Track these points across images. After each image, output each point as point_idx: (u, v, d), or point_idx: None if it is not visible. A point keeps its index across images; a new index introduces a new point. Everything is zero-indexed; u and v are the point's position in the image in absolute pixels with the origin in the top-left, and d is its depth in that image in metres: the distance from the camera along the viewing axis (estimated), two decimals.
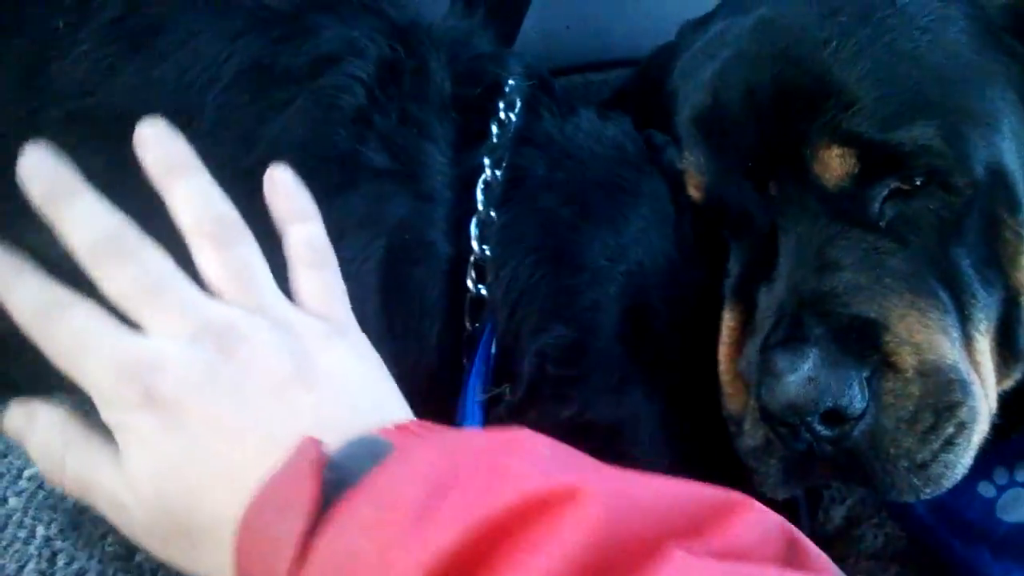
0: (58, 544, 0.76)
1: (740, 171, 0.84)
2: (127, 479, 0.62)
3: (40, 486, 0.80)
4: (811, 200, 0.80)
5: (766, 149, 0.82)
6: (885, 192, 0.79)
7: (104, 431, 0.65)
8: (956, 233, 0.79)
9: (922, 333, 0.76)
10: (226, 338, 0.64)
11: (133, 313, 0.66)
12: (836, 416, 0.73)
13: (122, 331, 0.65)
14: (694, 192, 0.87)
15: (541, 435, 0.58)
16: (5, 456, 0.83)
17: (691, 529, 0.50)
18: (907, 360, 0.75)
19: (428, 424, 0.64)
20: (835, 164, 0.78)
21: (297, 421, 0.62)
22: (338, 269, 0.75)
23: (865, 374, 0.74)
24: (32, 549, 0.75)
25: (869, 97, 0.78)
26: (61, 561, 0.75)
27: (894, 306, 0.77)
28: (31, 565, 0.74)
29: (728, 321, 0.86)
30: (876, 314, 0.76)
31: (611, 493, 0.49)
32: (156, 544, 0.63)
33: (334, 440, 0.58)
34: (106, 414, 0.64)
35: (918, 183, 0.79)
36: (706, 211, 0.87)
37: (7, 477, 0.81)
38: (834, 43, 0.80)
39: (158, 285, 0.66)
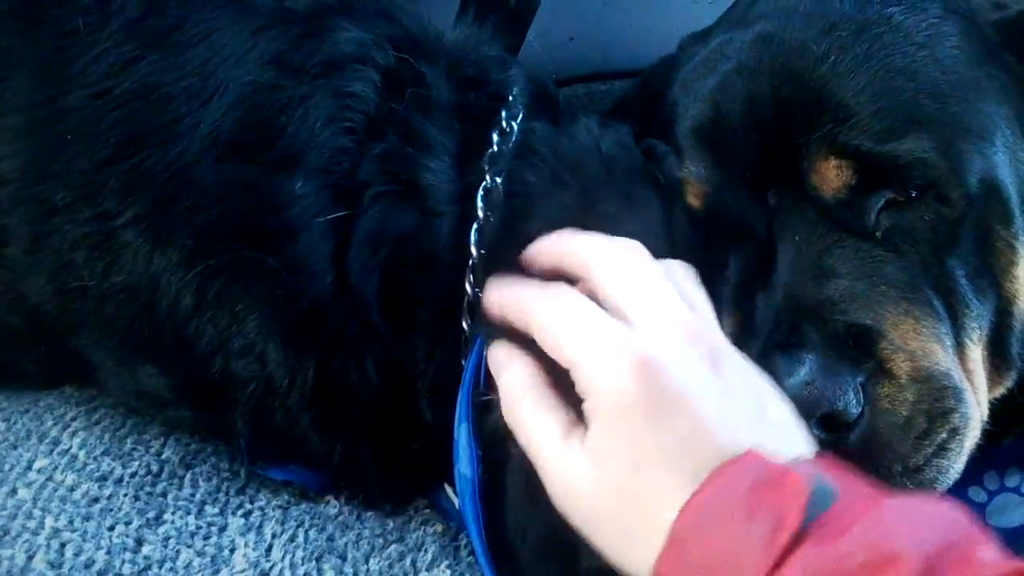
0: (66, 535, 0.77)
1: (739, 181, 0.85)
2: (587, 451, 0.67)
3: (49, 478, 0.82)
4: (808, 210, 0.82)
5: (765, 160, 0.83)
6: (881, 203, 0.81)
7: None
8: (950, 243, 0.81)
9: (916, 340, 0.78)
10: (716, 353, 0.71)
11: (628, 306, 0.71)
12: (832, 421, 0.75)
13: (614, 321, 0.71)
14: (693, 201, 0.89)
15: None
16: (15, 448, 0.85)
17: None
18: (902, 367, 0.77)
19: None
20: (832, 176, 0.80)
21: (766, 438, 0.66)
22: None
23: (861, 380, 0.76)
24: (41, 540, 0.76)
25: (866, 110, 0.80)
26: (70, 552, 0.76)
27: (889, 314, 0.79)
28: (39, 556, 0.75)
29: (725, 328, 0.86)
30: (872, 321, 0.78)
31: None
32: (590, 520, 0.68)
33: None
34: (588, 385, 0.68)
35: (913, 194, 0.80)
36: (705, 220, 0.89)
37: (17, 469, 0.82)
38: (832, 57, 0.82)
39: (655, 285, 0.73)
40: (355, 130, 0.85)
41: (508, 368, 0.77)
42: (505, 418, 0.76)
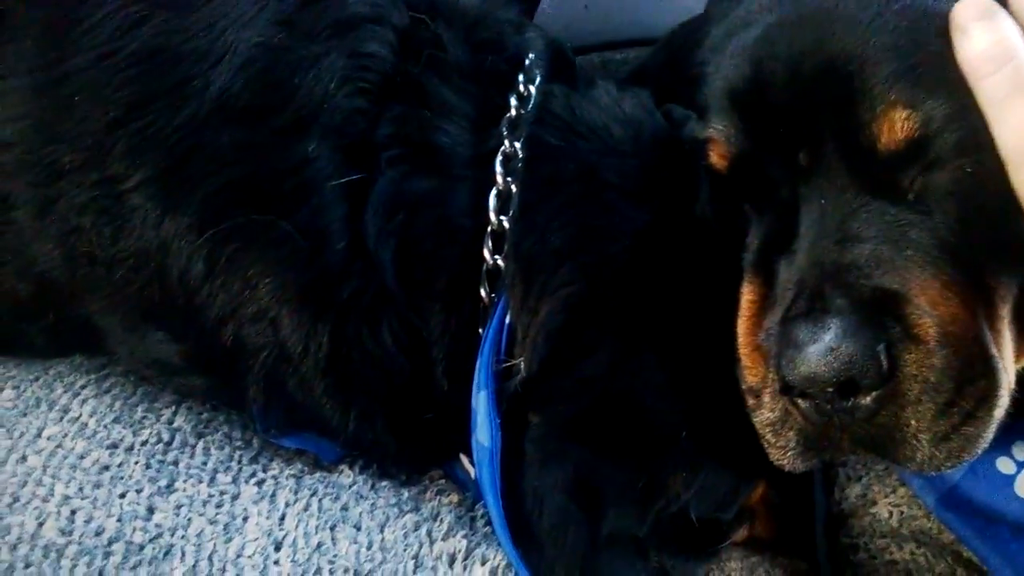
0: (76, 502, 0.76)
1: (773, 140, 0.82)
2: None
3: (59, 445, 0.80)
4: (841, 170, 0.79)
5: (807, 116, 0.80)
6: (920, 164, 0.78)
7: None
8: (978, 208, 0.78)
9: (944, 305, 0.76)
10: None
11: None
12: (857, 387, 0.73)
13: None
14: (719, 161, 0.86)
15: None
16: (25, 415, 0.84)
17: None
18: (929, 331, 0.74)
19: None
20: (898, 126, 0.76)
21: None
22: None
23: (887, 344, 0.74)
24: (51, 507, 0.75)
25: (916, 70, 0.76)
26: (80, 519, 0.75)
27: (916, 278, 0.76)
28: (50, 522, 0.74)
29: (747, 294, 0.85)
30: (898, 286, 0.75)
31: None
32: None
33: None
34: None
35: (948, 156, 0.78)
36: (729, 182, 0.87)
37: (27, 436, 0.81)
38: (875, 9, 0.79)
39: None
40: (371, 91, 0.84)
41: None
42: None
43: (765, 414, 0.81)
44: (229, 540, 0.76)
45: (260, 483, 0.82)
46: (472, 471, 0.86)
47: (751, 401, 0.83)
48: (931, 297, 0.76)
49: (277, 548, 0.77)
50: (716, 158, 0.86)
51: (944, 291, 0.77)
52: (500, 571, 0.79)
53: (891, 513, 1.03)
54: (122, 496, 0.77)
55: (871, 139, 0.77)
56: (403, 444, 0.87)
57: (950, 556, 1.01)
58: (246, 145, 0.81)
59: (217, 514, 0.78)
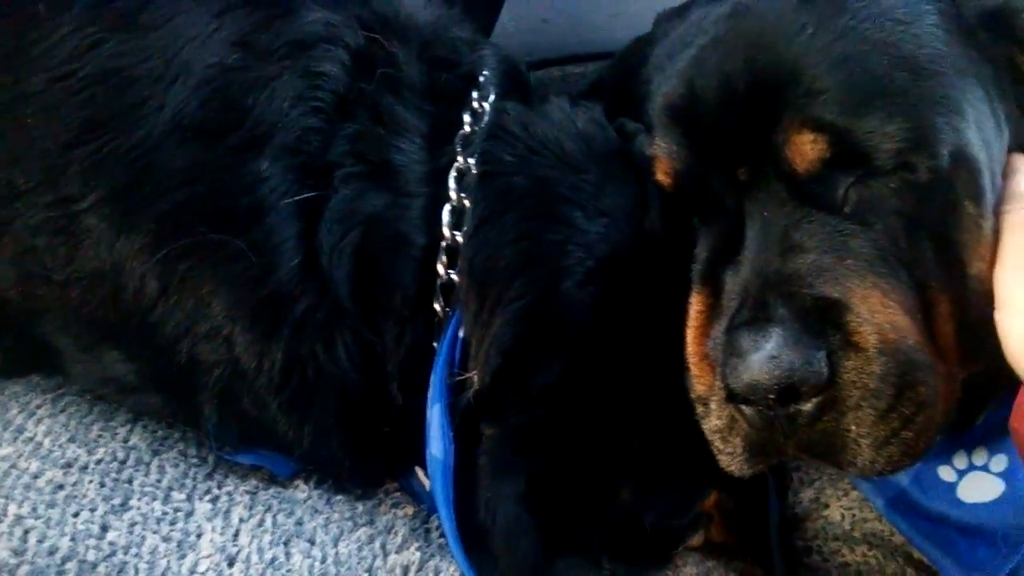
0: (30, 522, 0.76)
1: (711, 157, 0.85)
2: None
3: (13, 466, 0.80)
4: (779, 185, 0.81)
5: (738, 135, 0.83)
6: (852, 178, 0.80)
7: None
8: (919, 217, 0.80)
9: (883, 313, 0.78)
10: None
11: None
12: (798, 394, 0.74)
13: None
14: (663, 178, 0.88)
15: None
16: None
17: None
18: (868, 339, 0.76)
19: None
20: (807, 149, 0.80)
21: None
22: None
23: (827, 352, 0.75)
24: (3, 527, 0.75)
25: (841, 84, 0.79)
26: (33, 539, 0.75)
27: (856, 287, 0.78)
28: (2, 543, 0.74)
29: (695, 304, 0.87)
30: (839, 294, 0.78)
31: None
32: None
33: None
34: None
35: (884, 168, 0.80)
36: (675, 197, 0.89)
37: None
38: (808, 31, 0.81)
39: None
40: (324, 110, 0.85)
41: None
42: None
43: (713, 422, 0.82)
44: (183, 557, 0.77)
45: (214, 500, 0.83)
46: (428, 483, 0.86)
47: (700, 409, 0.85)
48: (871, 305, 0.78)
49: (231, 564, 0.77)
50: (661, 175, 0.88)
51: (884, 299, 0.78)
52: None
53: (843, 516, 1.05)
54: (76, 515, 0.77)
55: (788, 161, 0.80)
56: (358, 458, 0.88)
57: (901, 557, 1.03)
58: (200, 165, 0.82)
59: (171, 531, 0.79)
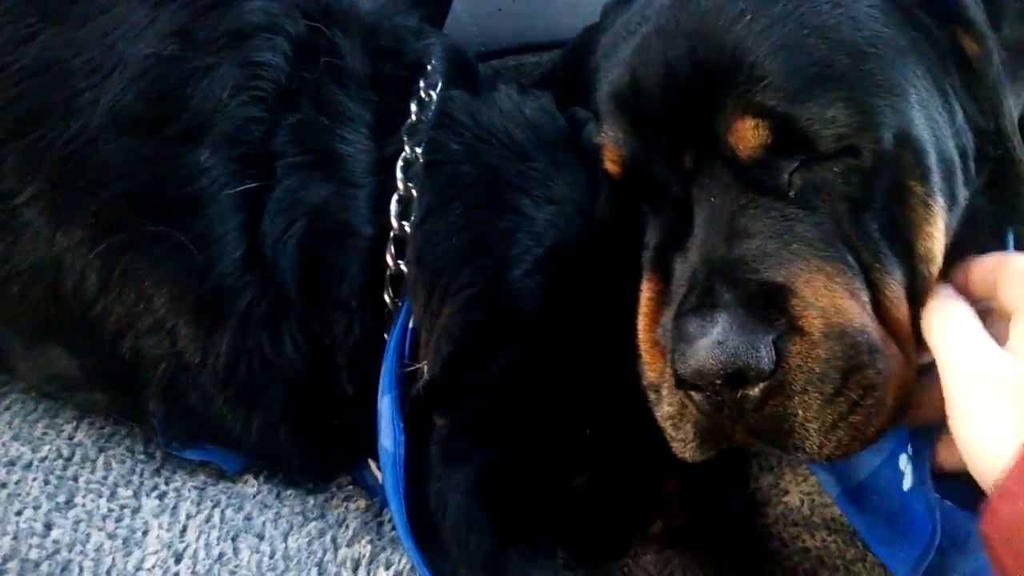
0: None
1: (657, 144, 0.85)
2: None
3: None
4: (724, 171, 0.81)
5: (681, 122, 0.83)
6: (796, 163, 0.80)
7: None
8: (864, 200, 0.80)
9: (828, 297, 0.77)
10: None
11: None
12: (744, 379, 0.74)
13: None
14: (611, 166, 0.88)
15: None
16: None
17: None
18: (814, 323, 0.76)
19: None
20: (749, 136, 0.80)
21: None
22: None
23: (772, 337, 0.75)
24: None
25: (782, 70, 0.79)
26: None
27: (801, 271, 0.78)
28: None
29: (646, 291, 0.86)
30: (784, 279, 0.77)
31: None
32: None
33: None
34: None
35: (827, 152, 0.80)
36: (624, 185, 0.88)
37: None
38: (748, 17, 0.81)
39: None
40: (265, 99, 0.84)
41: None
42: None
43: (664, 408, 0.82)
44: (128, 554, 0.76)
45: (162, 496, 0.82)
46: (380, 476, 0.86)
47: (652, 396, 0.84)
48: (815, 289, 0.78)
49: (177, 560, 0.76)
50: (609, 163, 0.88)
51: (829, 283, 0.78)
52: (405, 574, 0.79)
53: (803, 501, 1.05)
54: (18, 513, 0.76)
55: (732, 149, 0.80)
56: (309, 452, 0.87)
57: (861, 542, 1.03)
58: (138, 156, 0.81)
59: (117, 528, 0.78)
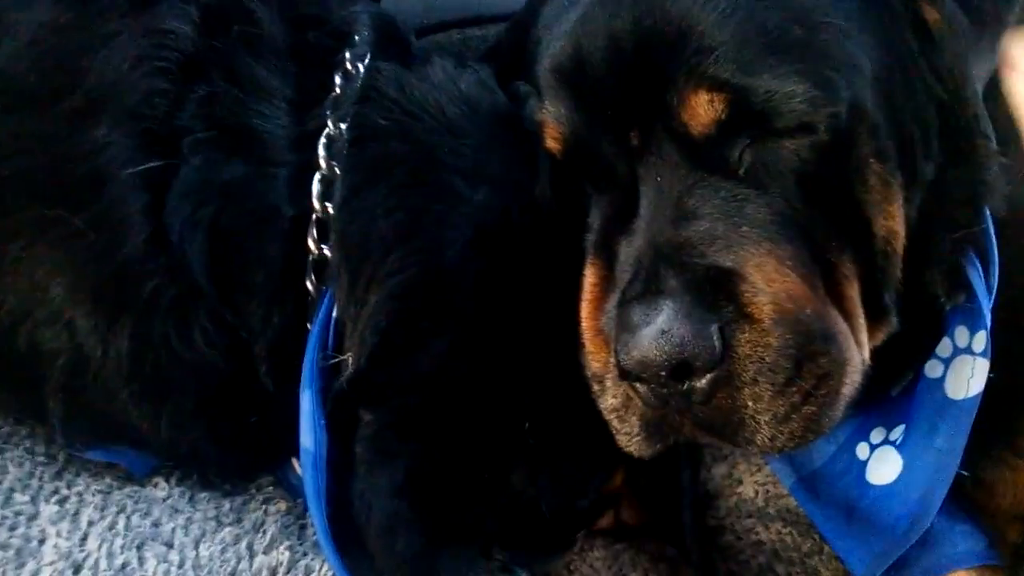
0: None
1: (601, 121, 0.80)
2: None
3: None
4: (672, 149, 0.77)
5: (628, 96, 0.78)
6: (748, 139, 0.76)
7: None
8: (819, 179, 0.77)
9: (779, 282, 0.74)
10: None
11: None
12: (691, 370, 0.70)
13: None
14: (552, 144, 0.84)
15: None
16: None
17: None
18: (764, 309, 0.72)
19: None
20: (702, 111, 0.76)
21: None
22: None
23: (720, 325, 0.71)
24: None
25: (732, 39, 0.75)
26: None
27: (751, 255, 0.74)
28: None
29: (589, 277, 0.82)
30: (733, 263, 0.74)
31: None
32: None
33: None
34: None
35: (782, 129, 0.76)
36: (566, 164, 0.84)
37: None
38: None
39: None
40: (170, 71, 0.77)
41: None
42: None
43: (609, 400, 0.79)
44: (22, 565, 0.70)
45: (62, 501, 0.76)
46: None
47: (596, 387, 0.81)
48: (766, 274, 0.74)
49: (76, 571, 0.71)
50: (550, 141, 0.83)
51: (780, 267, 0.75)
52: None
53: (757, 492, 1.02)
54: None
55: (684, 124, 0.76)
56: (226, 451, 0.82)
57: (816, 534, 1.00)
58: (30, 133, 0.75)
59: (10, 538, 0.72)
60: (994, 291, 0.83)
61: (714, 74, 0.74)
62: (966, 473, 0.84)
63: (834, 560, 0.96)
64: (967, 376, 0.82)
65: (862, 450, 0.91)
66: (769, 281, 0.74)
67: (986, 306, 0.81)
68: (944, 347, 0.84)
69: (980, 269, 0.83)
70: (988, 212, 0.83)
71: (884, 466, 0.87)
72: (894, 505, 0.84)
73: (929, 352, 0.85)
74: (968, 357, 0.83)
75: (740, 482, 1.03)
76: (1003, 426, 0.88)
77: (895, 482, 0.85)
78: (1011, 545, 0.91)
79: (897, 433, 0.88)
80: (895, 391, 0.89)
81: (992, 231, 0.83)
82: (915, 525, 0.83)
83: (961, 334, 0.84)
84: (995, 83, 0.87)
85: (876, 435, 0.91)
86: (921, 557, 0.88)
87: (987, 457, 0.89)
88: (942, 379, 0.84)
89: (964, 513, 0.90)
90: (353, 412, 0.78)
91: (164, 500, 0.79)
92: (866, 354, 0.80)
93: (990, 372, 0.81)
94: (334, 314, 0.80)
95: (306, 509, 0.81)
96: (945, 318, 0.84)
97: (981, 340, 0.81)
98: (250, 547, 0.75)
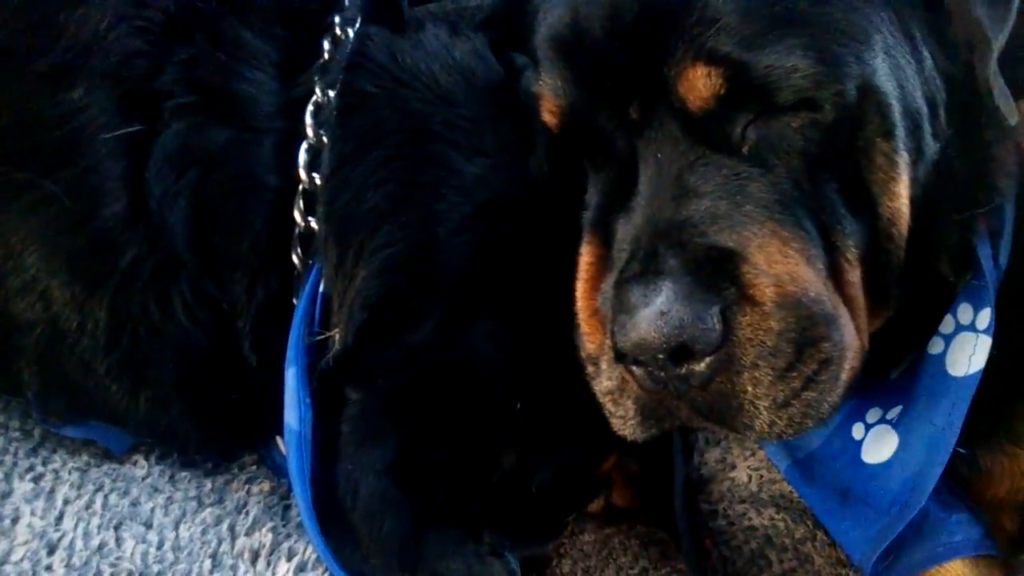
0: None
1: (599, 94, 0.77)
2: None
3: None
4: (672, 124, 0.75)
5: (627, 70, 0.75)
6: (751, 115, 0.74)
7: None
8: (823, 157, 0.74)
9: (782, 263, 0.71)
10: None
11: None
12: (690, 353, 0.68)
13: None
14: (549, 117, 0.81)
15: None
16: None
17: None
18: (766, 292, 0.70)
19: None
20: (700, 85, 0.73)
21: None
22: None
23: (721, 307, 0.69)
24: None
25: (736, 11, 0.72)
26: None
27: (753, 235, 0.72)
28: None
29: (585, 255, 0.80)
30: (734, 244, 0.71)
31: None
32: None
33: None
34: None
35: (785, 105, 0.73)
36: (563, 138, 0.81)
37: None
38: None
39: None
40: (151, 31, 0.74)
41: None
42: None
43: (604, 383, 0.76)
44: None
45: (37, 478, 0.73)
46: None
47: (590, 369, 0.78)
48: (769, 255, 0.72)
49: (51, 551, 0.68)
50: (547, 114, 0.80)
51: (783, 248, 0.72)
52: (310, 566, 0.72)
53: (750, 477, 1.01)
54: None
55: (682, 99, 0.73)
56: (207, 429, 0.79)
57: (810, 520, 0.99)
58: (3, 94, 0.71)
59: None
60: (1003, 269, 0.81)
61: (713, 47, 0.71)
62: (963, 451, 0.83)
63: (828, 547, 0.95)
64: (968, 353, 0.80)
65: (857, 430, 0.89)
66: (772, 262, 0.71)
67: (992, 284, 0.79)
68: (946, 323, 0.83)
69: (990, 246, 0.81)
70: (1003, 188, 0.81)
71: (880, 445, 0.85)
72: (890, 483, 0.82)
73: (930, 334, 0.84)
74: (971, 334, 0.81)
75: (733, 466, 1.02)
76: (1001, 413, 0.87)
77: (890, 460, 0.83)
78: (1007, 534, 0.90)
79: (894, 413, 0.87)
80: (894, 374, 0.88)
81: (1008, 208, 0.81)
82: (910, 502, 0.81)
83: (964, 311, 0.82)
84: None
85: (872, 415, 0.89)
86: (917, 546, 0.86)
87: (984, 445, 0.88)
88: (943, 355, 0.83)
89: (960, 502, 0.89)
90: (339, 390, 0.76)
91: (143, 479, 0.76)
92: (865, 340, 0.78)
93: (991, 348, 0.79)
94: (321, 289, 0.77)
95: (290, 489, 0.79)
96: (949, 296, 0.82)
97: (985, 317, 0.80)
98: (232, 528, 0.73)
